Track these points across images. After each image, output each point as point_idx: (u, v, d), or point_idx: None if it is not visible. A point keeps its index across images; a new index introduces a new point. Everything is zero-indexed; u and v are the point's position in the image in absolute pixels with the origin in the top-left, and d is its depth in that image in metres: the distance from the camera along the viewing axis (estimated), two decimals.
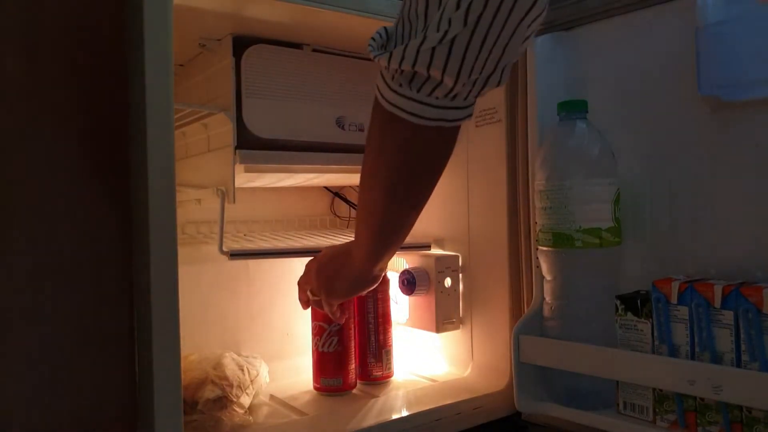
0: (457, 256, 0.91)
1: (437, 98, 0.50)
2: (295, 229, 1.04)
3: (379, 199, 0.59)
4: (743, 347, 0.58)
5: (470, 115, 0.53)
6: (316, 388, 0.85)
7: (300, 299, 0.76)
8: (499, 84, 0.51)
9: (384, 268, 0.68)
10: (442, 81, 0.48)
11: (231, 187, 0.72)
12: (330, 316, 0.74)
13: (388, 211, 0.59)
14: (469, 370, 0.89)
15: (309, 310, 0.86)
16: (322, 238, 0.92)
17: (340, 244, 0.72)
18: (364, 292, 0.71)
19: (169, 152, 0.55)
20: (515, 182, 0.82)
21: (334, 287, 0.69)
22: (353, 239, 0.65)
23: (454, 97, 0.50)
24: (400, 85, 0.50)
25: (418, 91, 0.50)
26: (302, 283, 0.74)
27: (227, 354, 0.79)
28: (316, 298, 0.73)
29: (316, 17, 0.71)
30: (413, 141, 0.53)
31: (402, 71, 0.49)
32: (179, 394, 0.56)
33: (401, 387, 0.86)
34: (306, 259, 0.73)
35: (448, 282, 0.90)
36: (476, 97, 0.52)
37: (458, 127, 0.54)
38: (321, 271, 0.70)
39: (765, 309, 0.57)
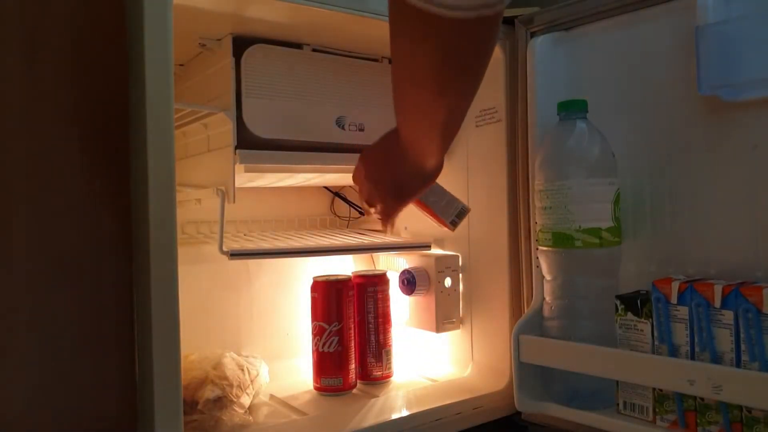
0: (457, 256, 0.91)
1: None
2: (295, 228, 1.04)
3: (431, 100, 0.52)
4: (743, 347, 0.58)
5: None
6: (316, 388, 0.85)
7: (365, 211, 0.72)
8: None
9: (442, 159, 0.64)
10: None
11: (231, 187, 0.72)
12: (385, 221, 0.70)
13: (446, 108, 0.53)
14: (469, 370, 0.89)
15: (309, 309, 0.86)
16: (322, 238, 0.92)
17: (383, 154, 0.65)
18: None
19: (169, 152, 0.55)
20: (515, 182, 0.82)
21: (401, 191, 0.66)
22: (399, 143, 0.60)
23: None
24: None
25: None
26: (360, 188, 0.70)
27: (227, 354, 0.79)
28: (370, 210, 0.70)
29: (316, 17, 0.71)
30: (455, 38, 0.45)
31: None
32: (179, 394, 0.56)
33: (401, 387, 0.86)
34: (306, 260, 0.73)
35: (448, 282, 0.90)
36: None
37: (501, 12, 0.45)
38: (380, 181, 0.65)
39: (765, 309, 0.57)
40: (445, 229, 0.76)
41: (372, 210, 0.70)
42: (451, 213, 0.73)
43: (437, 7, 0.41)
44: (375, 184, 0.66)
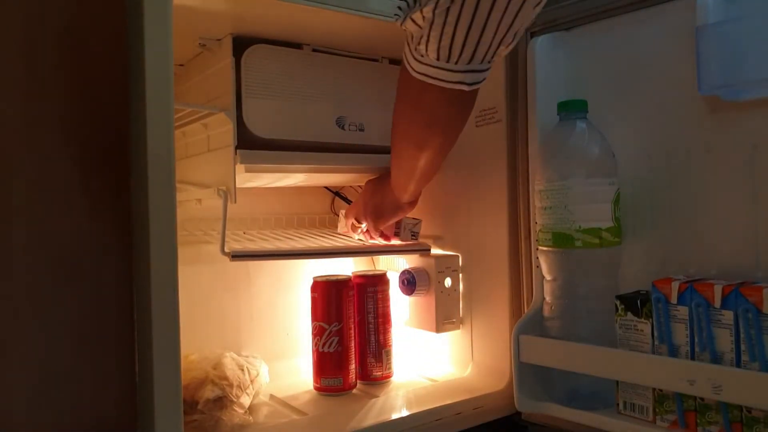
0: (457, 256, 0.91)
1: (455, 64, 0.60)
2: (295, 227, 1.04)
3: (408, 149, 0.72)
4: (743, 347, 0.58)
5: (486, 77, 0.63)
6: (316, 388, 0.85)
7: (351, 228, 0.93)
8: (511, 44, 0.61)
9: (414, 199, 0.85)
10: (453, 40, 0.57)
11: (232, 187, 0.72)
12: (372, 236, 0.90)
13: (413, 158, 0.72)
14: (469, 370, 0.89)
15: (309, 309, 0.87)
16: (323, 239, 0.92)
17: (375, 186, 0.87)
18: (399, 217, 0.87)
19: (169, 152, 0.55)
20: (515, 182, 0.82)
21: (381, 215, 0.86)
22: (388, 179, 0.81)
23: (470, 61, 0.60)
24: (422, 56, 0.60)
25: (437, 58, 0.59)
26: (349, 214, 0.92)
27: (227, 354, 0.79)
28: (359, 225, 0.90)
29: (316, 17, 0.71)
30: (438, 100, 0.64)
31: (419, 40, 0.59)
32: (179, 394, 0.56)
33: (401, 387, 0.86)
34: (307, 260, 0.74)
35: (448, 282, 0.90)
36: (492, 58, 0.61)
37: (476, 91, 0.64)
38: (368, 205, 0.87)
39: (765, 309, 0.57)
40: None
41: (351, 223, 0.91)
42: (408, 231, 0.90)
43: (432, 80, 0.61)
44: (363, 203, 0.87)
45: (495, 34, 0.57)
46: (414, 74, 0.63)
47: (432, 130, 0.69)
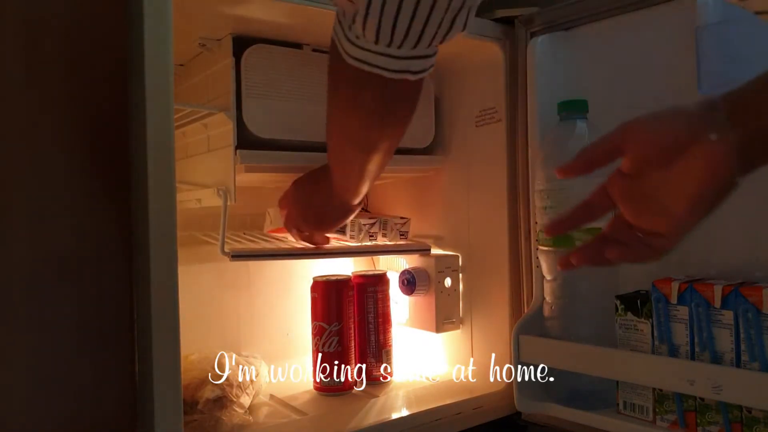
0: (457, 256, 0.91)
1: (399, 48, 0.49)
2: None
3: (350, 152, 0.63)
4: (743, 347, 0.58)
5: (433, 65, 0.53)
6: (316, 388, 0.85)
7: (298, 238, 0.80)
8: (463, 29, 0.50)
9: (363, 199, 0.75)
10: (397, 17, 0.46)
11: (231, 187, 0.72)
12: (317, 243, 0.80)
13: (358, 161, 0.64)
14: (469, 370, 0.89)
15: (309, 309, 0.87)
16: None
17: (311, 188, 0.76)
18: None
19: (169, 152, 0.55)
20: (515, 182, 0.82)
21: (325, 221, 0.76)
22: (326, 181, 0.71)
23: (417, 44, 0.49)
24: (358, 37, 0.50)
25: (377, 41, 0.49)
26: (289, 223, 0.79)
27: (227, 354, 0.79)
28: (304, 233, 0.79)
29: (316, 17, 0.71)
30: (380, 95, 0.54)
31: (353, 18, 0.49)
32: (179, 394, 0.56)
33: (401, 387, 0.86)
34: (305, 261, 0.73)
35: (448, 282, 0.90)
36: (439, 43, 0.51)
37: (422, 80, 0.55)
38: (307, 212, 0.76)
39: (765, 309, 0.57)
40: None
41: (294, 233, 0.79)
42: (396, 232, 0.88)
43: (370, 67, 0.51)
44: (301, 210, 0.76)
45: (448, 7, 0.46)
46: (349, 60, 0.52)
47: (374, 130, 0.59)
